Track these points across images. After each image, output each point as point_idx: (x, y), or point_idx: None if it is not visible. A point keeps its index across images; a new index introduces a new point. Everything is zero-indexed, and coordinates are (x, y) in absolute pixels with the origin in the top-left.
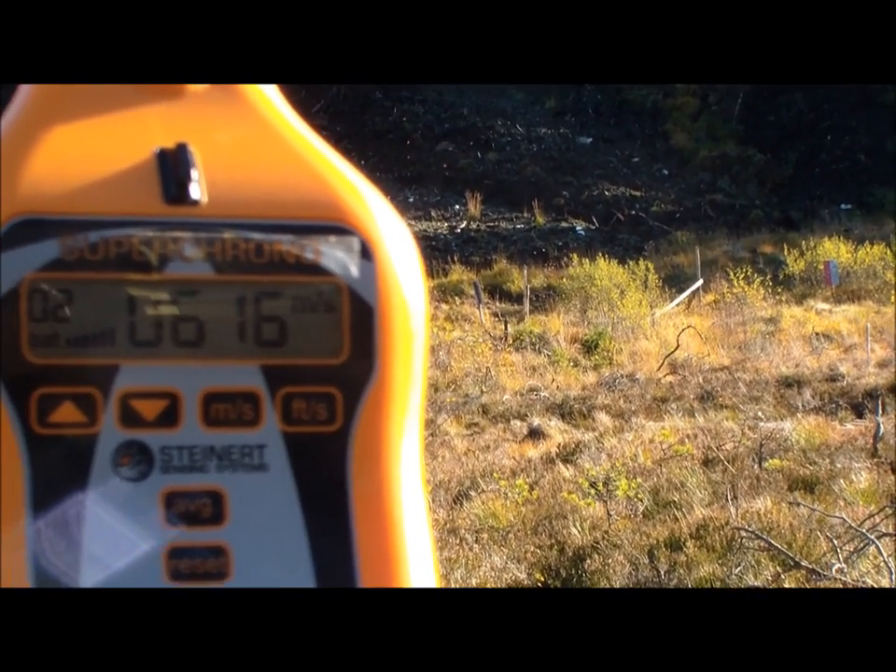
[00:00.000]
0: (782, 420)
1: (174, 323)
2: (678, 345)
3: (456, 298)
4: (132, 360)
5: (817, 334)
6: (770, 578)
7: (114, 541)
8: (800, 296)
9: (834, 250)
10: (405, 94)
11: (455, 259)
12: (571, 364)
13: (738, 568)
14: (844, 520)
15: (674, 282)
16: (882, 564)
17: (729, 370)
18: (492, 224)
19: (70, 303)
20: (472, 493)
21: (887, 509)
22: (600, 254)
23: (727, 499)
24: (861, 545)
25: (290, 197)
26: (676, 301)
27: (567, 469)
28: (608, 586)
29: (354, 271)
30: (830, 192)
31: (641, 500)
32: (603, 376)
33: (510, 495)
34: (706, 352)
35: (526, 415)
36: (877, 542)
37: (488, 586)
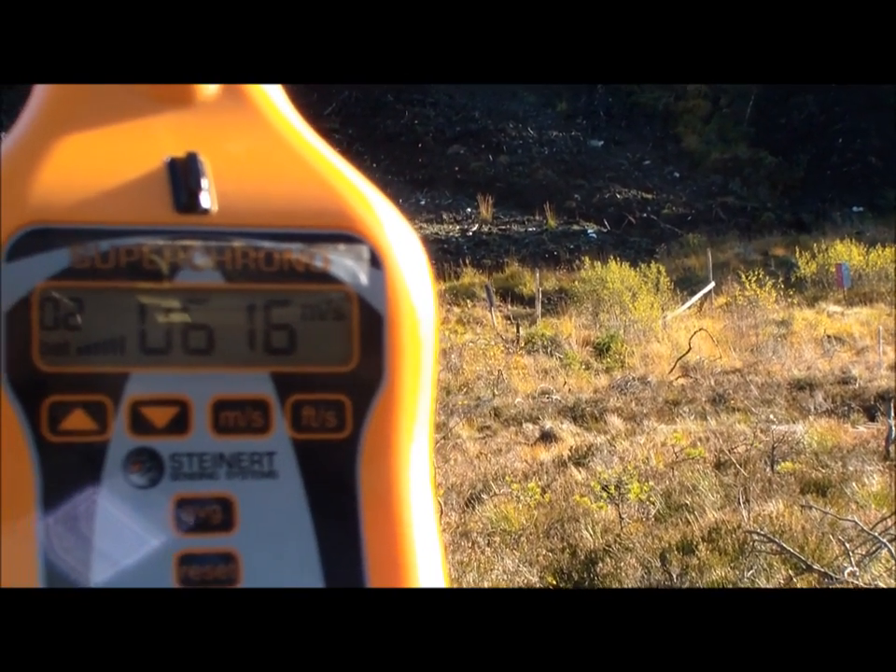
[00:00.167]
0: (794, 423)
1: (184, 331)
2: (689, 348)
3: (468, 301)
4: (142, 368)
5: (829, 337)
6: (782, 581)
7: (124, 548)
8: (812, 298)
9: (846, 252)
10: (416, 97)
11: (467, 261)
12: (583, 367)
13: (750, 572)
14: (856, 523)
15: (685, 284)
16: (894, 567)
17: (741, 372)
18: (504, 227)
19: (81, 312)
20: (484, 496)
21: None
22: (612, 257)
23: (739, 502)
24: (874, 548)
25: (300, 206)
26: (687, 304)
27: (579, 472)
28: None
29: (363, 279)
30: (841, 195)
31: (653, 503)
32: (615, 379)
33: (522, 498)
34: (717, 355)
35: (538, 418)
36: (889, 546)
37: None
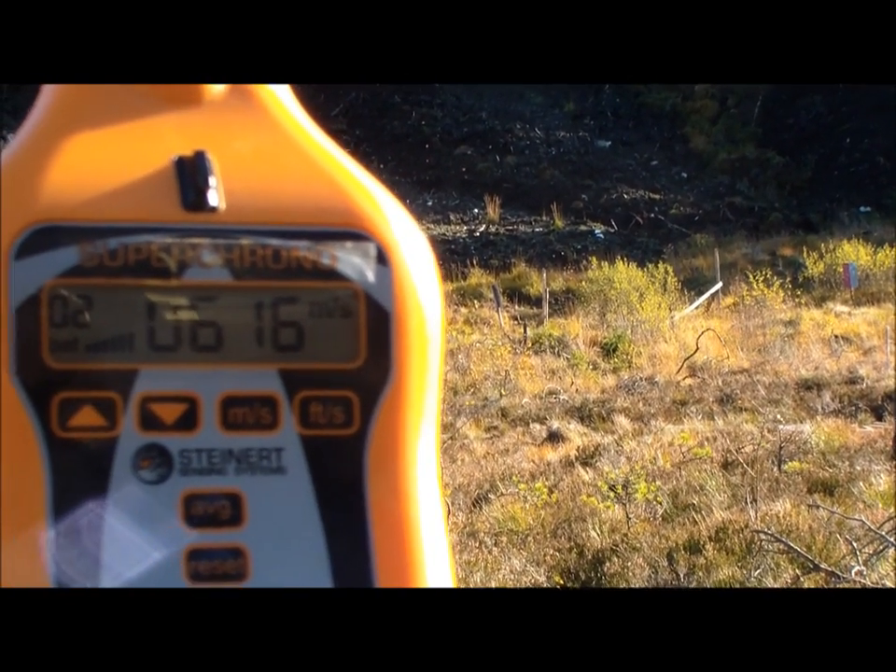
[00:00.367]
0: (802, 423)
1: (192, 328)
2: (697, 348)
3: (475, 301)
4: (151, 365)
5: (836, 337)
6: (789, 580)
7: (134, 543)
8: (819, 298)
9: (854, 253)
10: (424, 98)
11: (474, 262)
12: (590, 367)
13: (758, 571)
14: (863, 522)
15: (693, 285)
16: None
17: (748, 372)
18: (511, 227)
19: (90, 309)
20: (491, 496)
21: None
22: (619, 257)
23: (746, 502)
24: (881, 547)
25: (307, 204)
26: (695, 304)
27: (587, 472)
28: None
29: (370, 276)
30: (849, 195)
31: (660, 503)
32: (622, 379)
33: (529, 498)
34: (725, 355)
35: (546, 418)
36: None
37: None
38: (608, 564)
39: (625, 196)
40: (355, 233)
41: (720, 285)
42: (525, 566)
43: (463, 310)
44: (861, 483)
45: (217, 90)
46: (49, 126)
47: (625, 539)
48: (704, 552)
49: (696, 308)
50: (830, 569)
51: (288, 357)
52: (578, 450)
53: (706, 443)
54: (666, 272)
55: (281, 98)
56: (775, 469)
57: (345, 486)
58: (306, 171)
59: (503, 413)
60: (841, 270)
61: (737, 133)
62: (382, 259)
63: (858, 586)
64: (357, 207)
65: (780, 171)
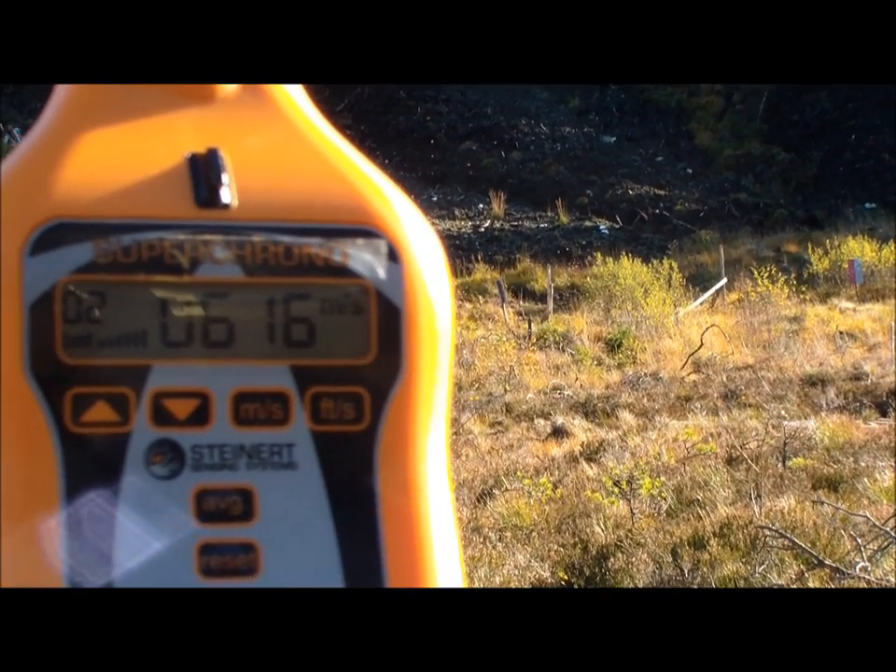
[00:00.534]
0: (806, 419)
1: (204, 324)
2: (701, 344)
3: (480, 297)
4: (163, 361)
5: (841, 333)
6: (794, 576)
7: (146, 538)
8: (824, 295)
9: (858, 249)
10: (429, 94)
11: (479, 258)
12: (595, 363)
13: (762, 567)
14: (868, 518)
15: (698, 281)
16: None
17: (753, 368)
18: (516, 223)
19: (103, 305)
20: (496, 491)
21: None
22: (624, 253)
23: (751, 498)
24: (885, 544)
25: (319, 201)
26: (700, 300)
27: (591, 467)
28: (631, 585)
29: (381, 273)
30: (854, 191)
31: (665, 499)
32: (627, 375)
33: (533, 493)
34: (729, 351)
35: (550, 414)
36: None
37: (511, 585)
38: (612, 559)
39: (630, 192)
40: (366, 230)
41: (724, 281)
42: (530, 561)
43: (468, 305)
44: (865, 480)
45: (229, 87)
46: (62, 123)
47: (630, 534)
48: (708, 547)
49: (701, 304)
50: (834, 565)
51: (300, 354)
52: (582, 445)
53: (710, 439)
54: (671, 268)
55: (293, 96)
56: (779, 464)
57: (356, 481)
58: (318, 168)
59: (508, 408)
60: (846, 266)
61: (743, 129)
62: (393, 255)
63: (862, 583)
64: (368, 204)
65: (785, 167)
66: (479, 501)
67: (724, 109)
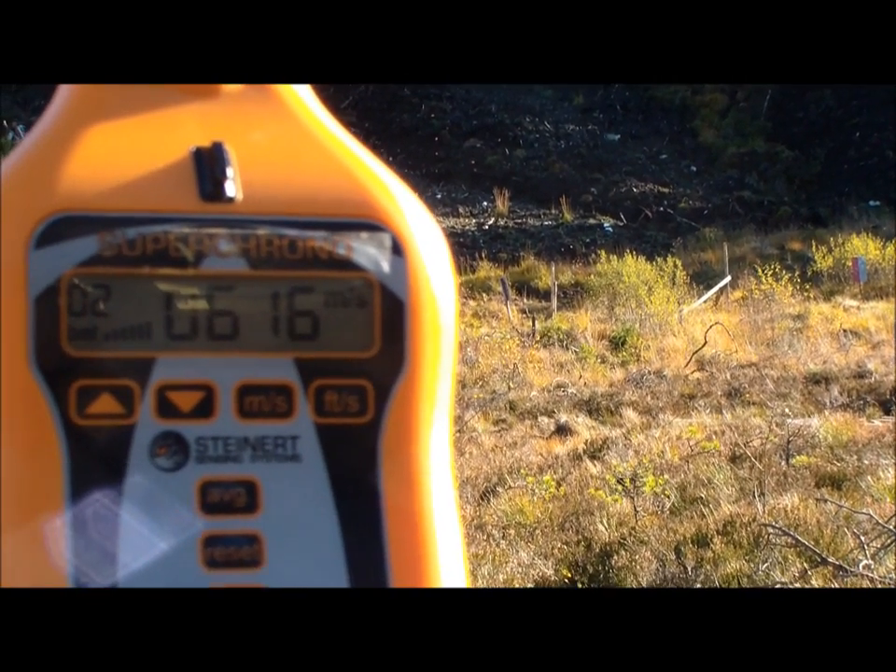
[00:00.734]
0: (810, 417)
1: (209, 317)
2: (705, 342)
3: (484, 294)
4: (168, 353)
5: (845, 331)
6: (797, 574)
7: (150, 529)
8: (828, 293)
9: (863, 247)
10: (433, 91)
11: (483, 255)
12: (599, 361)
13: (765, 565)
14: (871, 516)
15: (702, 279)
16: None
17: (757, 366)
18: (520, 221)
19: (108, 298)
20: (499, 489)
21: None
22: (628, 251)
23: (754, 496)
24: (889, 542)
25: (323, 195)
26: (703, 298)
27: (595, 465)
28: (634, 582)
29: (385, 266)
30: (858, 189)
31: (668, 497)
32: (630, 373)
33: (537, 491)
34: (733, 349)
35: (554, 412)
36: None
37: (515, 582)
38: (615, 557)
39: (634, 190)
40: (370, 224)
41: (728, 279)
42: (533, 559)
43: (472, 303)
44: (868, 478)
45: None
46: (67, 117)
47: (633, 532)
48: (711, 545)
49: (705, 302)
50: (837, 563)
51: (304, 346)
52: (586, 443)
53: (714, 437)
54: (675, 265)
55: (297, 90)
56: (783, 462)
57: (359, 474)
58: (322, 162)
59: (511, 406)
60: (850, 264)
61: (747, 126)
62: (397, 249)
63: (865, 580)
64: (372, 198)
65: (790, 165)
66: (482, 499)
67: (728, 107)
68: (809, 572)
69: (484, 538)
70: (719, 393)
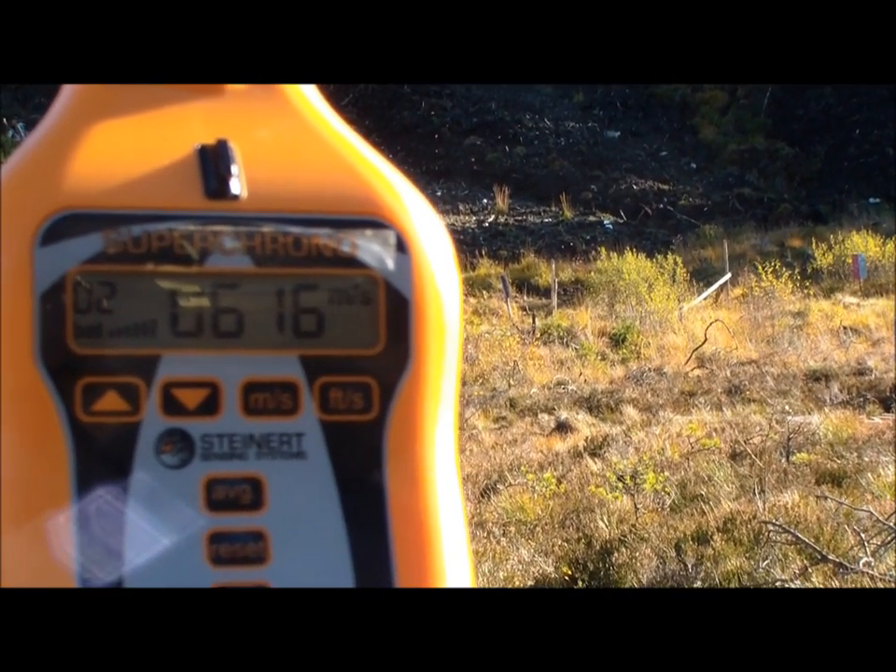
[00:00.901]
0: (810, 414)
1: (214, 314)
2: (705, 339)
3: (484, 292)
4: (173, 351)
5: (845, 328)
6: (797, 571)
7: (156, 526)
8: (828, 290)
9: (863, 244)
10: (433, 89)
11: (483, 252)
12: (599, 358)
13: (765, 562)
14: (871, 513)
15: (702, 276)
16: None
17: (757, 363)
18: (520, 218)
19: (113, 295)
20: (500, 486)
21: None
22: (628, 248)
23: (754, 493)
24: (889, 539)
25: (328, 192)
26: (703, 295)
27: (595, 462)
28: (635, 580)
29: (389, 264)
30: (858, 186)
31: (668, 494)
32: (631, 370)
33: (537, 488)
34: (733, 346)
35: (554, 409)
36: None
37: (515, 579)
38: (616, 554)
39: (634, 187)
40: (374, 221)
41: (728, 276)
42: (534, 556)
43: (472, 300)
44: (869, 475)
45: None
46: (71, 115)
47: (633, 529)
48: (712, 542)
49: (705, 299)
50: (838, 560)
51: (309, 344)
52: (586, 440)
53: (714, 434)
54: (675, 262)
55: (302, 88)
56: (783, 460)
57: (364, 471)
58: (327, 160)
59: (511, 403)
60: (850, 261)
61: (747, 123)
62: (401, 246)
63: (866, 578)
64: (376, 196)
65: (790, 162)
66: (483, 496)
67: (728, 104)
68: (809, 569)
69: (485, 535)
70: (719, 390)
